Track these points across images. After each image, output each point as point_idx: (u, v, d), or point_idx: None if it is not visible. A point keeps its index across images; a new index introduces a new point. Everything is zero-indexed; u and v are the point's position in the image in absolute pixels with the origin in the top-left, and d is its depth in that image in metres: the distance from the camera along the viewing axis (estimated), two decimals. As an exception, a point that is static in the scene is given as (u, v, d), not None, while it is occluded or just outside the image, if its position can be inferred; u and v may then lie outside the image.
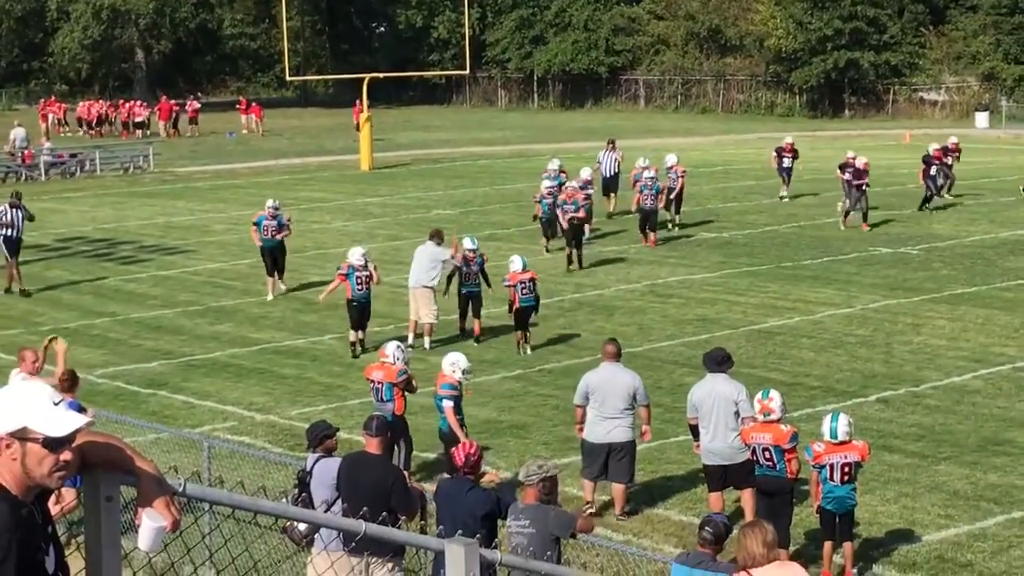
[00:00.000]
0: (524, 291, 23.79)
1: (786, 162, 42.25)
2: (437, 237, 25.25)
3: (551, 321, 26.04)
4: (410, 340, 24.05)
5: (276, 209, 28.98)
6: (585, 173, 35.55)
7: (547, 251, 33.19)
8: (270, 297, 28.56)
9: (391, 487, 11.78)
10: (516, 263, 24.09)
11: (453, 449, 12.83)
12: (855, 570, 13.94)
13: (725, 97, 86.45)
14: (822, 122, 77.71)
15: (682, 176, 36.97)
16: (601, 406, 15.88)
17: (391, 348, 17.17)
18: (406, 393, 16.88)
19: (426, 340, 24.27)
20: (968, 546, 14.81)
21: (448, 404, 16.07)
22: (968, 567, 14.25)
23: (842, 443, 13.80)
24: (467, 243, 24.81)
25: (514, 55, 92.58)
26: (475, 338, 24.39)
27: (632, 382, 16.02)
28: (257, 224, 28.99)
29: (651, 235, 34.45)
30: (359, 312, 23.77)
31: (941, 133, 68.36)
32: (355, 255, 24.00)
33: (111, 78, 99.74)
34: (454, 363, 16.34)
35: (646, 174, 34.23)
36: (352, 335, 23.85)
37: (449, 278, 24.95)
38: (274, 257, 28.78)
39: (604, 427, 15.84)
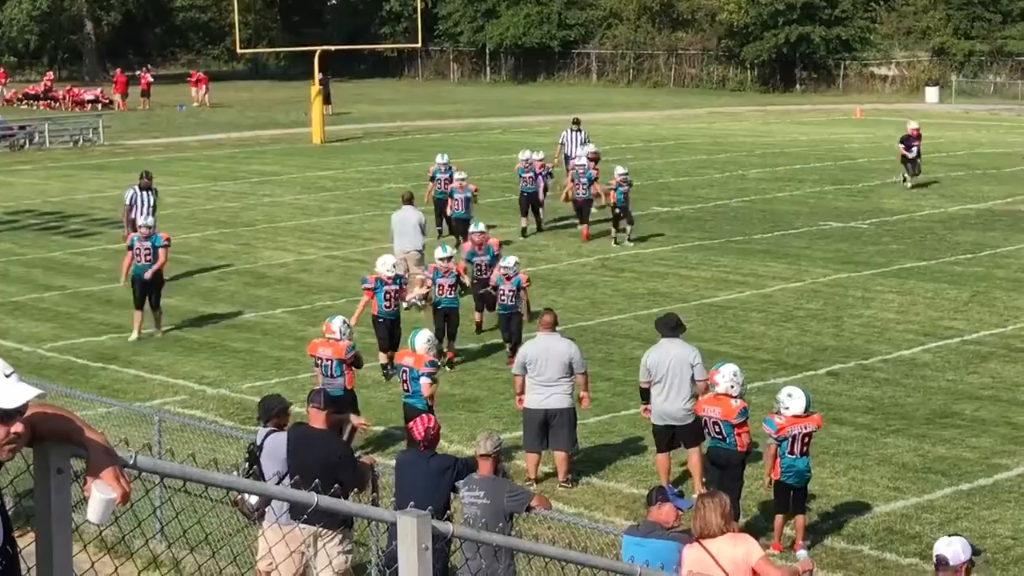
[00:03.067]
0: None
1: (914, 150, 39.41)
2: (412, 200, 26.29)
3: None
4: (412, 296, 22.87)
5: (150, 228, 23.30)
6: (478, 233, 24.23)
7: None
8: (134, 336, 23.07)
9: (339, 460, 11.82)
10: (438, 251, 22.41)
11: (411, 423, 12.86)
12: (806, 542, 14.02)
13: (677, 71, 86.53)
14: (773, 97, 77.96)
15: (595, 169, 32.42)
16: (539, 375, 16.06)
17: (337, 324, 17.09)
18: (354, 368, 16.97)
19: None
20: (916, 518, 14.94)
21: (428, 381, 16.04)
22: (916, 539, 14.36)
23: (801, 415, 13.90)
24: (438, 252, 22.23)
25: (466, 28, 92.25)
26: (448, 362, 20.95)
27: (568, 350, 16.17)
28: (131, 247, 23.43)
29: (583, 228, 31.81)
30: (387, 330, 20.59)
31: (892, 108, 68.98)
32: (385, 266, 20.83)
33: (60, 50, 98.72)
34: (429, 340, 16.42)
35: (576, 161, 32.97)
36: (382, 356, 20.57)
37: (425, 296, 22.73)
38: (145, 290, 23.15)
39: (541, 394, 16.03)
